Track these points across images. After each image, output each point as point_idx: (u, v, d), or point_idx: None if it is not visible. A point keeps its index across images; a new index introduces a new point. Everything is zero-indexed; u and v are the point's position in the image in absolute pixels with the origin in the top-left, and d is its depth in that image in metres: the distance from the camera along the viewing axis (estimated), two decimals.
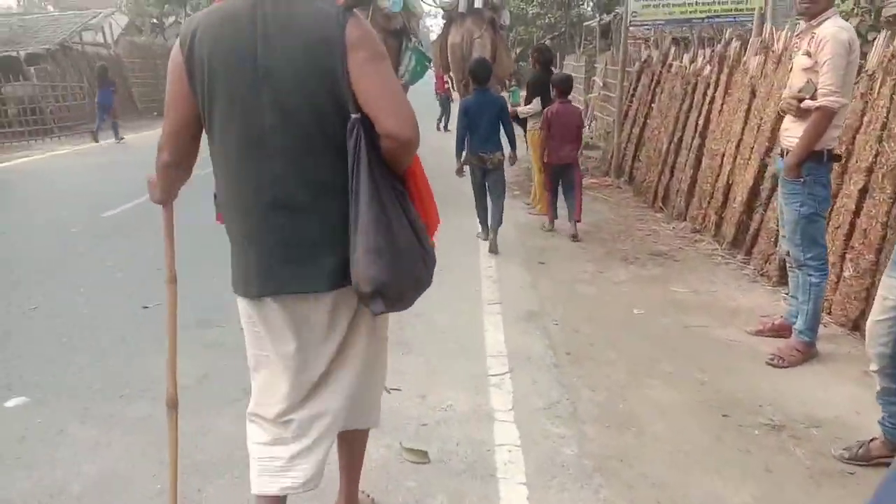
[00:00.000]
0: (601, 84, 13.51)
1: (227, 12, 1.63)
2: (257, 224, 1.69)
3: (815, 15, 3.27)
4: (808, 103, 3.24)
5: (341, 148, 1.61)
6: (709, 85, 6.35)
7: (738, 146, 5.50)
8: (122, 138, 14.58)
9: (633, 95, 8.74)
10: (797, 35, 3.96)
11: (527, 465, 2.65)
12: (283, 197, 1.65)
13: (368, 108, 1.59)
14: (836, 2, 3.61)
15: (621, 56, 8.44)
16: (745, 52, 5.84)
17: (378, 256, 1.59)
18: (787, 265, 3.79)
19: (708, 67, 6.46)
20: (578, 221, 6.09)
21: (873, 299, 2.69)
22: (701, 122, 6.30)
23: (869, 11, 5.00)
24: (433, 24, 28.00)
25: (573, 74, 18.63)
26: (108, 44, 21.64)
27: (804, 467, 2.63)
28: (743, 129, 5.47)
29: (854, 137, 4.12)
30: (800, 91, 3.29)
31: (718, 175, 5.76)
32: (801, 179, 3.32)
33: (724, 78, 6.06)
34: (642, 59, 8.62)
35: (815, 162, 3.31)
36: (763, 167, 5.09)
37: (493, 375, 3.44)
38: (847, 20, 3.71)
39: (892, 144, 3.82)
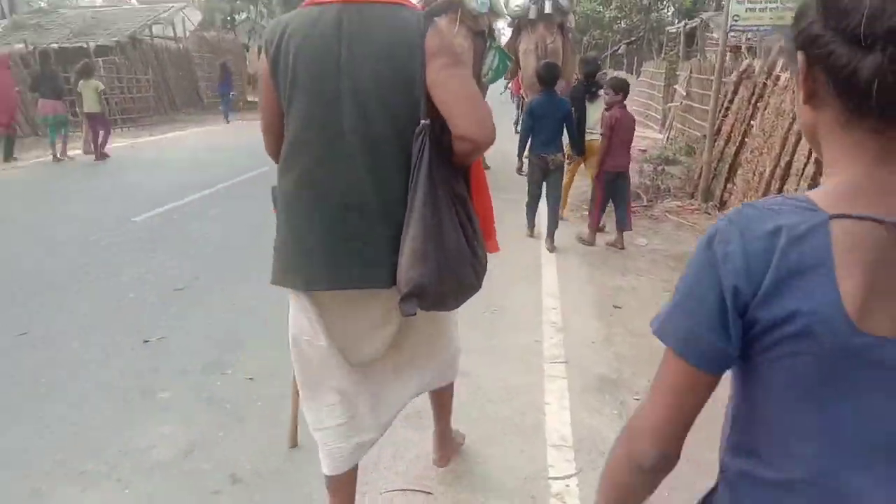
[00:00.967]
0: (684, 94, 12.39)
1: (313, 16, 1.68)
2: (325, 222, 1.71)
3: None
4: None
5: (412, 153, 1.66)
6: None
7: None
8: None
9: (727, 109, 7.69)
10: None
11: None
12: (355, 198, 1.68)
13: (445, 110, 1.63)
14: None
15: (717, 64, 7.39)
16: None
17: (421, 260, 1.63)
18: None
19: None
20: (628, 230, 5.89)
21: None
22: None
23: None
24: (503, 28, 27.23)
25: (651, 82, 17.72)
26: (178, 37, 21.70)
27: None
28: None
29: None
30: None
31: None
32: None
33: None
34: (741, 69, 7.56)
35: None
36: None
37: (554, 479, 2.61)
38: None
39: None
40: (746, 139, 6.81)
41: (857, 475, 0.77)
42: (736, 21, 6.90)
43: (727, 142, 7.32)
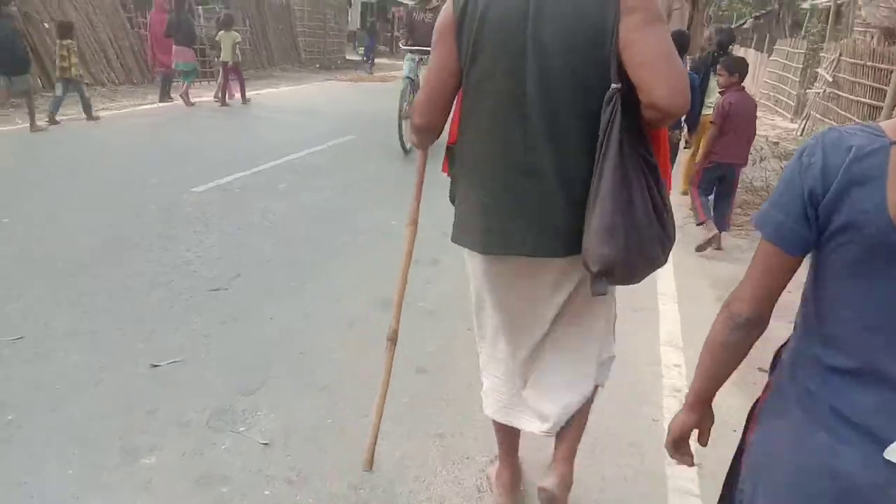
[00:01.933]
0: (830, 79, 10.63)
1: None
2: (501, 186, 1.66)
3: None
4: None
5: (597, 119, 1.54)
6: None
7: None
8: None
9: None
10: None
11: None
12: (533, 162, 1.62)
13: (638, 75, 1.49)
14: None
15: None
16: None
17: (611, 235, 1.52)
18: None
19: None
20: (726, 230, 5.23)
21: None
22: None
23: None
24: None
25: (786, 62, 15.68)
26: None
27: None
28: None
29: None
30: None
31: None
32: None
33: None
34: None
35: None
36: None
37: None
38: None
39: None
40: None
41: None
42: None
43: None
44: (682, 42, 5.41)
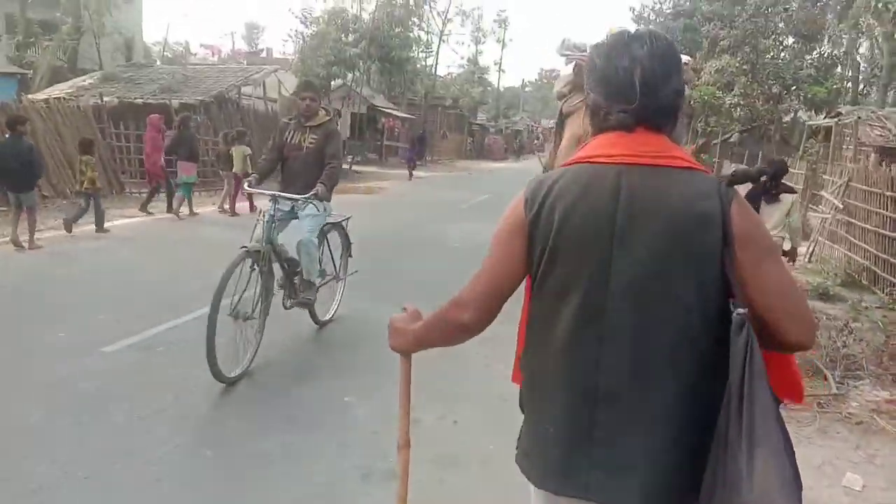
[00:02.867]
0: (840, 205, 9.95)
1: (585, 177, 1.46)
2: (570, 411, 1.46)
3: None
4: None
5: (694, 341, 1.38)
6: None
7: None
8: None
9: None
10: None
11: None
12: (611, 386, 1.42)
13: (766, 315, 1.36)
14: None
15: None
16: None
17: (735, 489, 1.27)
18: None
19: None
20: None
21: None
22: None
23: None
24: None
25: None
26: (269, 98, 21.12)
27: None
28: None
29: None
30: None
31: None
32: None
33: None
34: None
35: None
36: None
37: None
38: None
39: None
40: None
41: None
42: None
43: None
44: (782, 169, 5.67)
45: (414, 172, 23.79)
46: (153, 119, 11.92)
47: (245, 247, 4.45)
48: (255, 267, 4.47)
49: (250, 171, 11.15)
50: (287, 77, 24.36)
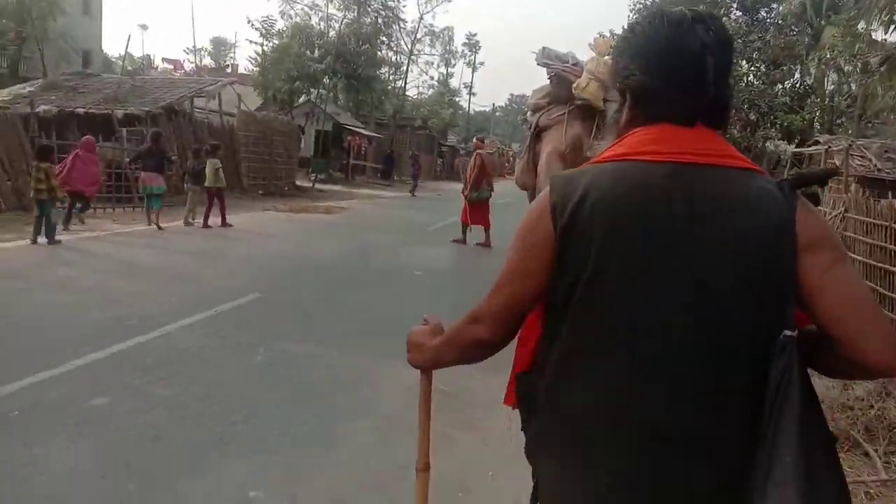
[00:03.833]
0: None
1: (630, 178, 1.23)
2: (624, 456, 1.25)
3: None
4: None
5: (759, 374, 1.21)
6: None
7: None
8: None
9: None
10: None
11: None
12: (674, 426, 1.23)
13: (839, 327, 1.19)
14: None
15: None
16: None
17: None
18: None
19: None
20: None
21: None
22: None
23: None
24: None
25: None
26: (226, 112, 19.93)
27: None
28: None
29: None
30: None
31: None
32: None
33: None
34: None
35: None
36: None
37: None
38: None
39: None
40: None
41: None
42: None
43: None
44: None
45: (403, 191, 22.81)
46: (88, 142, 11.26)
47: None
48: None
49: (224, 185, 12.24)
50: (247, 91, 23.26)
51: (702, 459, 1.23)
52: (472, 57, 53.97)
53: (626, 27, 1.33)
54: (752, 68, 21.17)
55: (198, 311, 5.88)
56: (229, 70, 43.37)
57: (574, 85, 6.97)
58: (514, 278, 1.32)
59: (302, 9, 28.95)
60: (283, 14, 29.74)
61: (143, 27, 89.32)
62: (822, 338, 1.22)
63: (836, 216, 9.44)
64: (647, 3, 25.38)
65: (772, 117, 20.16)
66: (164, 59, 45.82)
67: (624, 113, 1.31)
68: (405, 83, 39.27)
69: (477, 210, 12.10)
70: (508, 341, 1.37)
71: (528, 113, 11.65)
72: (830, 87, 22.25)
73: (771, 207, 1.19)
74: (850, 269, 1.23)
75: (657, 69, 1.24)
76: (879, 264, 7.79)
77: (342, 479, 3.23)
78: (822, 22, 21.58)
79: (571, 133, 7.04)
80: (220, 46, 56.80)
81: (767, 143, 22.41)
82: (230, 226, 12.25)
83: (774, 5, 23.68)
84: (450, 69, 51.85)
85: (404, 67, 38.46)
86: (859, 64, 16.79)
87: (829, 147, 13.11)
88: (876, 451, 4.03)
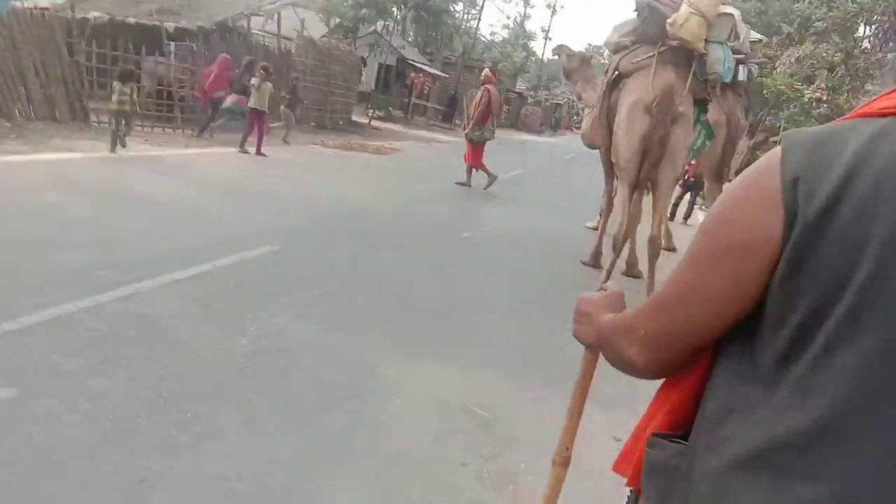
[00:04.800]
0: None
1: None
2: None
3: None
4: None
5: None
6: None
7: None
8: None
9: None
10: None
11: None
12: None
13: None
14: None
15: None
16: None
17: None
18: None
19: None
20: None
21: None
22: None
23: None
24: None
25: None
26: (284, 36, 18.78)
27: None
28: None
29: None
30: None
31: None
32: None
33: None
34: None
35: None
36: None
37: None
38: None
39: None
40: None
41: None
42: None
43: None
44: None
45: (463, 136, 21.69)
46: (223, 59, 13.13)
47: None
48: None
49: (267, 110, 12.23)
50: (311, 18, 21.98)
51: None
52: None
53: None
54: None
55: (190, 263, 4.85)
56: None
57: (670, 20, 5.47)
58: (692, 297, 0.92)
59: None
60: None
61: None
62: None
63: None
64: None
65: None
66: None
67: None
68: (479, 21, 37.23)
69: (475, 151, 11.45)
70: (666, 375, 1.03)
71: (606, 53, 10.09)
72: None
73: None
74: None
75: None
76: None
77: None
78: None
79: (661, 81, 5.61)
80: None
81: None
82: (264, 155, 11.77)
83: None
84: (528, 9, 49.09)
85: (480, 4, 36.38)
86: None
87: None
88: None
